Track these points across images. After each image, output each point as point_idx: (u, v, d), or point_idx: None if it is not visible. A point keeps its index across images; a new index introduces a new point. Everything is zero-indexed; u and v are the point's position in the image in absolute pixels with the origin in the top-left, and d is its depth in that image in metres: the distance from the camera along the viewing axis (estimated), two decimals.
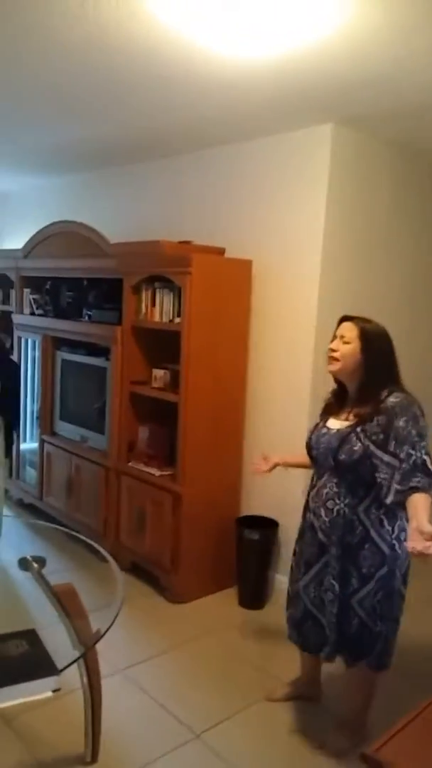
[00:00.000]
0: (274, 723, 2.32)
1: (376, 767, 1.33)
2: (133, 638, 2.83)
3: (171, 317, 3.15)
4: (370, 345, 1.97)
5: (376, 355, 1.97)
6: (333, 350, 2.02)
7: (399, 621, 2.08)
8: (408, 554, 1.91)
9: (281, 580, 3.11)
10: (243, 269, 3.24)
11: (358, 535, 1.97)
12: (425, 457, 1.85)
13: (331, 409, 2.13)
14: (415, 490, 1.81)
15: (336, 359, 2.01)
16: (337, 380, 2.12)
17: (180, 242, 3.22)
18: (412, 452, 1.84)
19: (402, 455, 1.85)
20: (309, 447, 2.13)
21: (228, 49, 2.15)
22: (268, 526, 3.20)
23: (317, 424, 2.15)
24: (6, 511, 3.60)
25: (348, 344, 1.99)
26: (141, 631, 2.90)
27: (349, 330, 2.00)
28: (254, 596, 3.19)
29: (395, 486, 1.85)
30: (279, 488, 3.21)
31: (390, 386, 1.96)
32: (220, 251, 3.33)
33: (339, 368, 2.02)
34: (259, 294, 3.27)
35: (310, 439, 2.13)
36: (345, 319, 2.06)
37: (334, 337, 2.06)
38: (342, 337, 2.01)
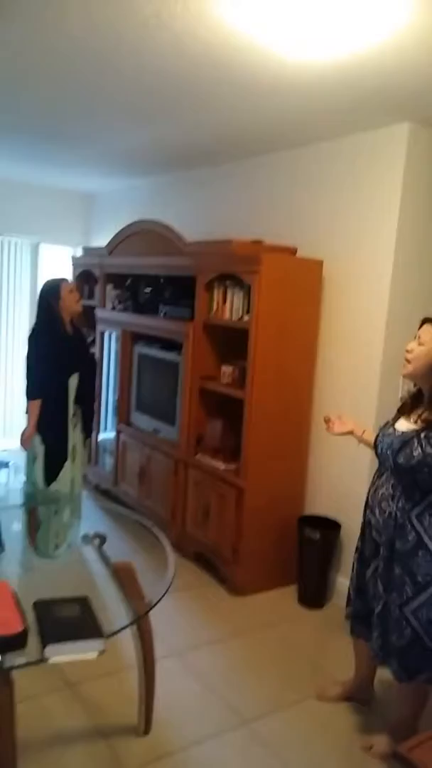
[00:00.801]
0: (322, 719, 2.34)
1: (407, 766, 1.33)
2: (191, 624, 2.94)
3: (240, 315, 3.22)
4: None
5: None
6: (408, 351, 1.99)
7: None
8: None
9: (342, 582, 3.10)
10: (314, 269, 3.25)
11: (411, 541, 1.94)
12: None
13: (404, 409, 2.10)
14: None
15: (408, 361, 1.98)
16: (414, 384, 2.09)
17: (251, 242, 3.28)
18: None
19: None
20: (375, 444, 2.13)
21: (299, 53, 2.18)
22: (330, 526, 3.20)
23: (387, 423, 2.14)
24: (83, 493, 3.81)
25: (422, 346, 1.95)
26: (200, 618, 3.00)
27: (427, 332, 1.96)
28: (314, 595, 3.20)
29: None
30: (343, 490, 3.20)
31: None
32: (292, 251, 3.35)
33: (410, 371, 1.99)
34: (329, 294, 3.27)
35: (377, 436, 2.13)
36: (426, 321, 2.01)
37: (415, 338, 2.02)
38: (419, 338, 1.98)
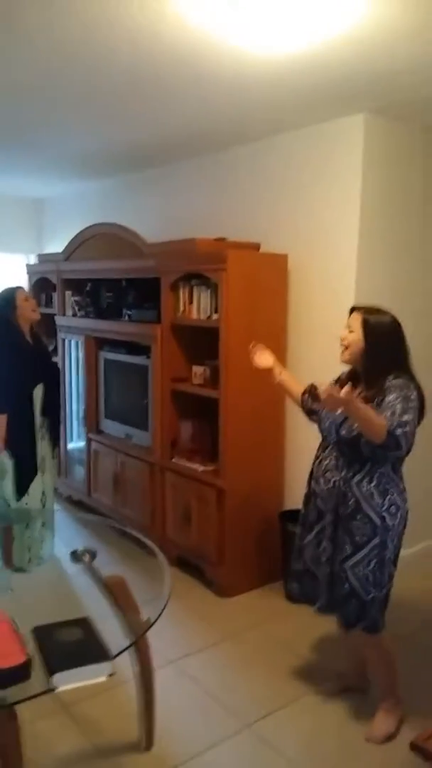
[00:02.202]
0: (324, 713, 2.34)
1: (425, 756, 1.33)
2: (182, 631, 2.89)
3: (209, 314, 3.19)
4: (371, 333, 2.07)
5: (378, 342, 2.06)
6: (342, 339, 2.15)
7: (389, 587, 2.15)
8: (399, 526, 2.09)
9: None
10: (279, 264, 3.24)
11: (350, 507, 2.09)
12: (397, 425, 1.91)
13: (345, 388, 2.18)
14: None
15: (346, 347, 2.13)
16: (350, 369, 2.23)
17: (215, 239, 3.25)
18: (390, 417, 1.92)
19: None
20: (319, 421, 2.24)
21: (256, 46, 2.16)
22: None
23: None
24: (56, 506, 3.71)
25: (353, 333, 2.11)
26: (190, 624, 2.96)
27: (354, 320, 2.12)
28: (288, 583, 3.19)
29: None
30: None
31: (396, 372, 2.04)
32: (256, 246, 3.34)
33: (347, 357, 2.14)
34: (295, 287, 3.27)
35: (320, 413, 2.24)
36: (354, 309, 2.17)
37: (345, 327, 2.16)
38: (349, 326, 2.14)
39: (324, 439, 2.23)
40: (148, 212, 4.22)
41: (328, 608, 2.20)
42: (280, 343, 3.30)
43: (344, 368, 3.07)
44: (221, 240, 3.27)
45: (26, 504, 3.17)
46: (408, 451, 2.02)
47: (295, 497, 3.37)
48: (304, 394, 2.38)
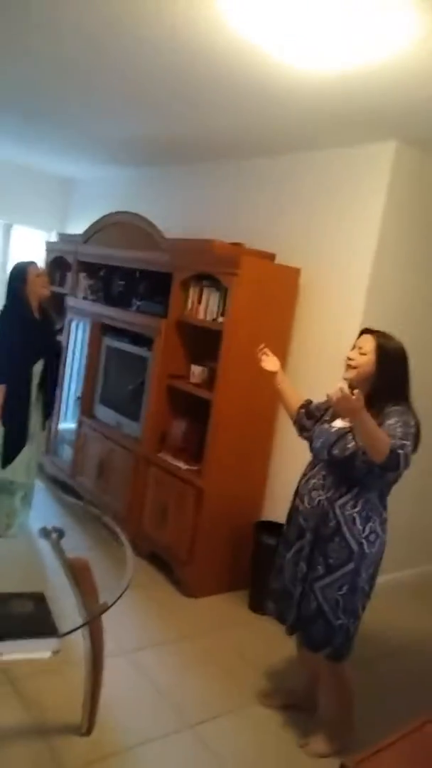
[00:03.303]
0: (267, 724, 2.34)
1: None
2: (142, 624, 2.90)
3: (215, 316, 3.21)
4: (384, 359, 2.07)
5: (389, 369, 2.07)
6: (350, 359, 2.13)
7: (360, 617, 2.13)
8: (376, 556, 2.09)
9: None
10: (291, 276, 3.26)
11: (330, 528, 2.08)
12: (400, 446, 1.88)
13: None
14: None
15: (353, 367, 2.12)
16: (350, 385, 2.17)
17: (232, 243, 3.27)
18: (392, 440, 1.89)
19: None
20: (310, 438, 2.24)
21: (300, 62, 2.19)
22: None
23: (324, 419, 2.25)
24: (38, 484, 3.73)
25: (364, 355, 2.09)
26: (151, 619, 2.97)
27: (368, 342, 2.11)
28: (265, 601, 3.19)
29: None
30: None
31: (396, 399, 2.05)
32: (271, 257, 3.36)
33: (353, 376, 2.12)
34: (304, 302, 3.29)
35: (312, 430, 2.24)
36: (366, 331, 2.17)
37: (354, 347, 2.16)
38: (360, 348, 2.12)
39: (314, 457, 2.22)
40: (171, 208, 4.25)
41: (295, 627, 2.19)
42: (282, 355, 3.30)
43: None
44: (238, 245, 3.29)
45: (12, 474, 3.21)
46: (397, 479, 2.02)
47: (273, 509, 3.38)
48: (300, 408, 2.37)
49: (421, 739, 1.48)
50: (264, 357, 2.45)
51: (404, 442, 1.90)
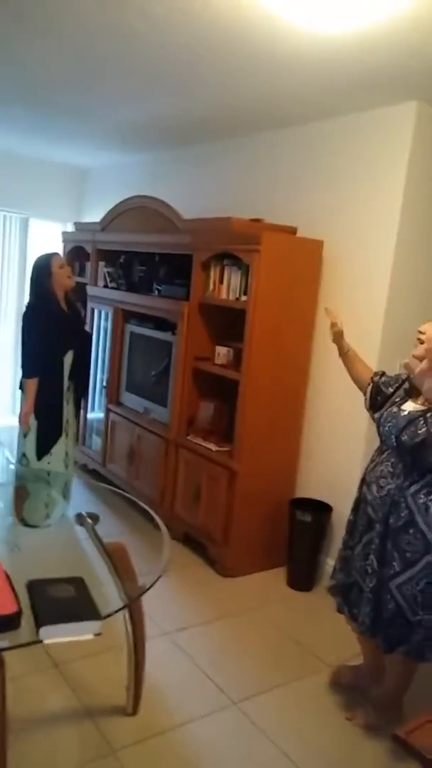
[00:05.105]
0: (311, 699, 2.34)
1: (407, 749, 1.32)
2: (181, 605, 2.92)
3: (237, 295, 3.16)
4: None
5: None
6: (421, 332, 2.00)
7: None
8: None
9: (331, 564, 3.09)
10: (314, 249, 3.20)
11: (403, 518, 1.97)
12: None
13: (411, 392, 2.11)
14: None
15: (421, 341, 1.99)
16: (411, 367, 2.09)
17: (251, 220, 3.21)
18: None
19: None
20: (378, 423, 2.13)
21: (313, 24, 2.11)
22: (321, 509, 3.19)
23: (394, 402, 2.13)
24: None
25: (424, 344, 1.97)
26: (189, 600, 2.98)
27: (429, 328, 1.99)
28: (304, 578, 3.19)
29: None
30: (335, 472, 3.18)
31: None
32: (292, 230, 3.29)
33: (422, 353, 1.99)
34: (328, 275, 3.22)
35: (381, 415, 2.13)
36: None
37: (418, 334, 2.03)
38: (423, 335, 1.99)
39: (383, 443, 2.10)
40: (188, 189, 4.20)
41: (370, 630, 2.06)
42: (308, 330, 3.26)
43: (367, 363, 3.01)
44: (257, 221, 3.23)
45: (48, 463, 3.24)
46: None
47: (307, 486, 3.36)
48: (373, 377, 2.22)
49: None
50: (334, 316, 2.29)
51: None
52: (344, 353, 2.33)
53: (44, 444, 3.27)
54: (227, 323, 3.34)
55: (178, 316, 3.46)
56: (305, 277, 3.18)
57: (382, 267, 2.95)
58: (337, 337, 2.30)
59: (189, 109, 3.35)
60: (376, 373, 2.25)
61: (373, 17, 2.03)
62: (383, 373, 2.25)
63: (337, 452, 3.18)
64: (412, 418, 1.97)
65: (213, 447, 3.28)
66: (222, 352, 3.32)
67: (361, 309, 3.05)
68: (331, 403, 3.22)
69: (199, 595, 3.04)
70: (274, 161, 3.58)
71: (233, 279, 3.20)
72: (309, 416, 3.34)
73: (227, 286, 3.23)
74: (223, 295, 3.26)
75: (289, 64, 2.52)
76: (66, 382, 3.29)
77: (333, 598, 2.27)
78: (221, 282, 3.27)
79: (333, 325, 2.28)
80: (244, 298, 3.11)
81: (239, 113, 3.34)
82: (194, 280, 3.39)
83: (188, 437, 3.46)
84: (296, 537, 3.19)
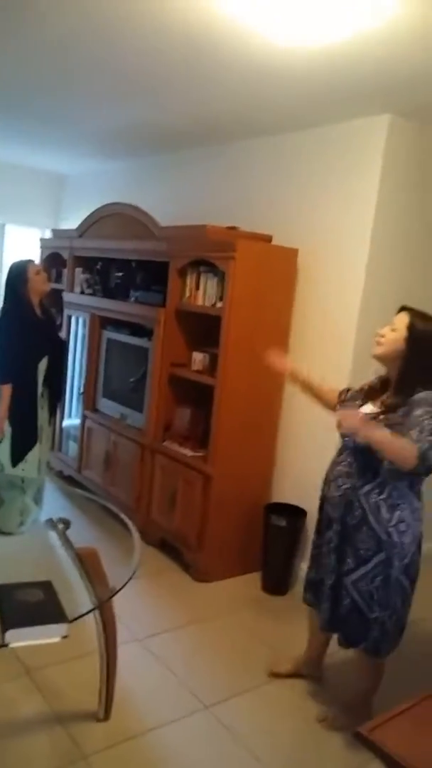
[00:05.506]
0: (282, 702, 2.36)
1: (368, 746, 1.34)
2: (154, 611, 2.91)
3: (214, 301, 3.19)
4: (415, 338, 1.98)
5: (419, 350, 1.98)
6: (380, 335, 2.06)
7: (401, 610, 2.07)
8: (410, 546, 2.00)
9: (305, 569, 3.12)
10: (288, 257, 3.24)
11: (357, 517, 2.03)
12: (429, 446, 1.81)
13: (371, 394, 2.16)
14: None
15: (379, 343, 2.06)
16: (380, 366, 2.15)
17: (226, 227, 3.25)
18: (419, 436, 1.82)
19: (408, 437, 1.84)
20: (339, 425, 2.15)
21: (288, 37, 2.15)
22: (296, 514, 3.22)
23: (356, 403, 2.18)
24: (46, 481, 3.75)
25: (395, 332, 2.02)
26: (163, 605, 2.98)
27: (401, 320, 2.04)
28: (278, 582, 3.21)
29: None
30: (309, 478, 3.20)
31: (425, 386, 1.95)
32: (267, 238, 3.34)
33: (380, 352, 2.06)
34: (303, 282, 3.27)
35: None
36: (403, 309, 2.08)
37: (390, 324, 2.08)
38: (392, 324, 2.05)
39: (342, 444, 2.16)
40: (165, 197, 4.23)
41: (330, 625, 2.14)
42: (283, 336, 3.30)
43: (341, 368, 3.06)
44: (233, 228, 3.27)
45: (23, 470, 3.22)
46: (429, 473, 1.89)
47: (282, 491, 3.39)
48: (338, 403, 2.25)
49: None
50: (275, 359, 2.36)
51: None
52: (309, 389, 2.38)
53: (19, 451, 3.25)
54: (204, 329, 3.37)
55: (154, 323, 3.48)
56: (280, 284, 3.23)
57: (356, 274, 3.01)
58: (305, 386, 2.37)
59: (164, 118, 3.39)
60: (342, 392, 2.29)
61: (340, 33, 2.09)
62: (349, 389, 2.29)
63: (312, 457, 3.21)
64: (368, 420, 2.01)
65: (188, 452, 3.30)
66: (198, 358, 3.34)
67: (335, 315, 3.10)
68: (306, 409, 3.25)
69: (172, 600, 3.04)
70: (251, 170, 3.63)
71: (209, 286, 3.23)
72: (284, 422, 3.37)
73: (203, 293, 3.26)
74: (200, 302, 3.29)
75: (263, 76, 2.57)
76: (40, 389, 3.27)
77: (305, 596, 2.33)
78: (197, 288, 3.30)
79: (294, 377, 2.36)
80: (220, 304, 3.14)
81: (214, 123, 3.39)
82: (171, 286, 3.41)
83: (164, 443, 3.47)
84: (271, 541, 3.21)
